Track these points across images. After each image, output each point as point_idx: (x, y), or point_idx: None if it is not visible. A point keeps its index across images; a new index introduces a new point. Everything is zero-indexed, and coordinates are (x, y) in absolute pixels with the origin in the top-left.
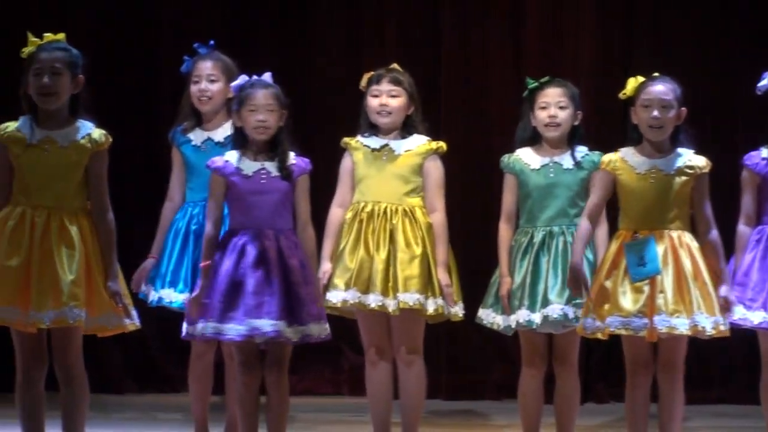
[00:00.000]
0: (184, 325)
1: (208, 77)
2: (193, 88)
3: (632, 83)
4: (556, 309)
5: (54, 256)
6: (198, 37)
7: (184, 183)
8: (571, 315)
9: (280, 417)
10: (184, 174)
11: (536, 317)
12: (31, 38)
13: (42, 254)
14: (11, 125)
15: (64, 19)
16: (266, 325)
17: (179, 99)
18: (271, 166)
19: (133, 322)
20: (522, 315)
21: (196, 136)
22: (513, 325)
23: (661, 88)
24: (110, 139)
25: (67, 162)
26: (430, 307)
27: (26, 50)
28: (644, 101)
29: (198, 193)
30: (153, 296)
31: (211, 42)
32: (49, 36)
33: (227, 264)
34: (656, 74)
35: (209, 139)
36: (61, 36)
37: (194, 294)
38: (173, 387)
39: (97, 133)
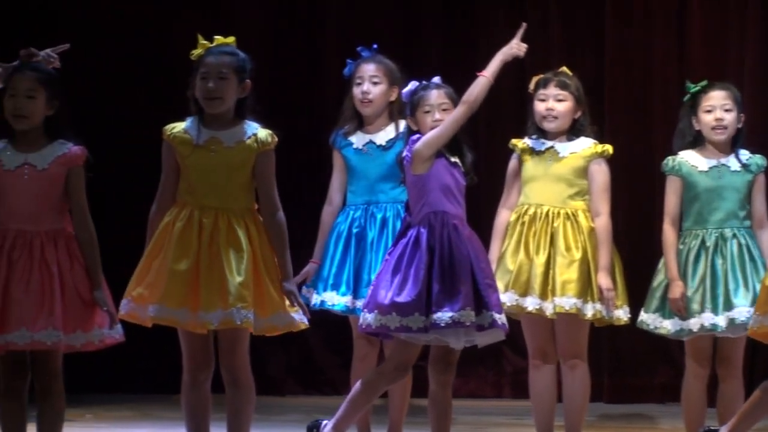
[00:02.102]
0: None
1: (370, 79)
2: (356, 90)
3: None
4: (743, 312)
5: (222, 257)
6: (362, 41)
7: (344, 186)
8: None
9: (447, 417)
10: (345, 177)
11: (721, 320)
12: (201, 41)
13: (210, 256)
14: (178, 126)
15: (232, 21)
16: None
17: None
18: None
19: (303, 321)
20: (706, 318)
21: (358, 139)
22: (695, 329)
23: None
24: (276, 139)
25: (233, 162)
26: (588, 311)
27: (195, 53)
28: None
29: (359, 196)
30: (315, 299)
31: (374, 45)
32: (219, 39)
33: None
34: None
35: (371, 141)
36: (231, 39)
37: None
38: (335, 389)
39: (263, 133)
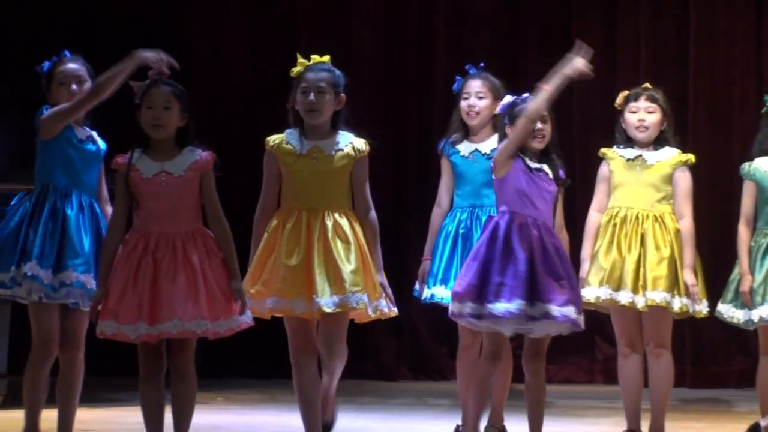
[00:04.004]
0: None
1: (476, 94)
2: (463, 104)
3: None
4: None
5: (333, 249)
6: (469, 60)
7: (452, 190)
8: None
9: (540, 403)
10: (452, 182)
11: None
12: (300, 59)
13: (320, 249)
14: (279, 137)
15: (350, 42)
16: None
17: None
18: (547, 169)
19: (393, 310)
20: (765, 310)
21: (465, 148)
22: (755, 320)
23: None
24: (369, 147)
25: (334, 169)
26: (676, 305)
27: (295, 70)
28: None
29: (465, 200)
30: (426, 293)
31: (482, 64)
32: (315, 58)
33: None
34: None
35: (476, 150)
36: (326, 58)
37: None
38: (443, 375)
39: (359, 142)
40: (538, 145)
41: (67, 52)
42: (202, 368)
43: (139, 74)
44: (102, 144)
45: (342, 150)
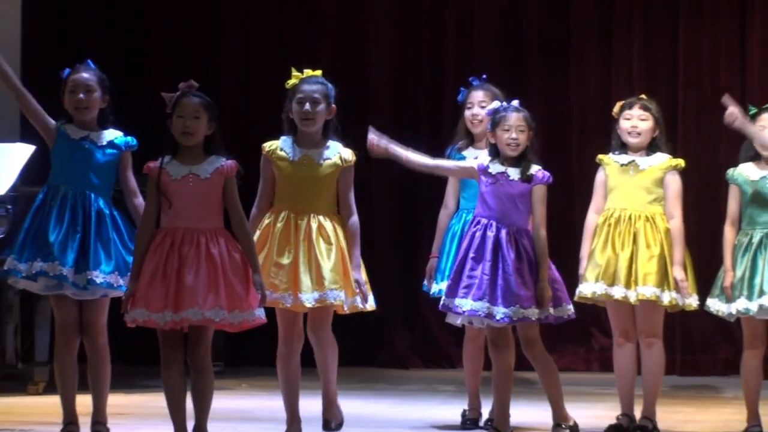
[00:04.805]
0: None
1: (479, 103)
2: (467, 113)
3: None
4: None
5: (316, 249)
6: (474, 72)
7: (458, 192)
8: None
9: (551, 386)
10: (459, 185)
11: (753, 306)
12: (294, 72)
13: (305, 249)
14: (275, 144)
15: (366, 55)
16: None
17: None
18: (513, 172)
19: (367, 305)
20: (741, 304)
21: (469, 154)
22: (733, 312)
23: None
24: (356, 157)
25: (322, 175)
26: (665, 298)
27: (290, 82)
28: None
29: (470, 202)
30: (434, 288)
31: (484, 75)
32: (308, 71)
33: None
34: None
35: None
36: (318, 72)
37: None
38: (451, 364)
39: (347, 152)
40: (512, 153)
41: (89, 62)
42: (227, 357)
43: (170, 86)
44: (119, 140)
45: (330, 159)
